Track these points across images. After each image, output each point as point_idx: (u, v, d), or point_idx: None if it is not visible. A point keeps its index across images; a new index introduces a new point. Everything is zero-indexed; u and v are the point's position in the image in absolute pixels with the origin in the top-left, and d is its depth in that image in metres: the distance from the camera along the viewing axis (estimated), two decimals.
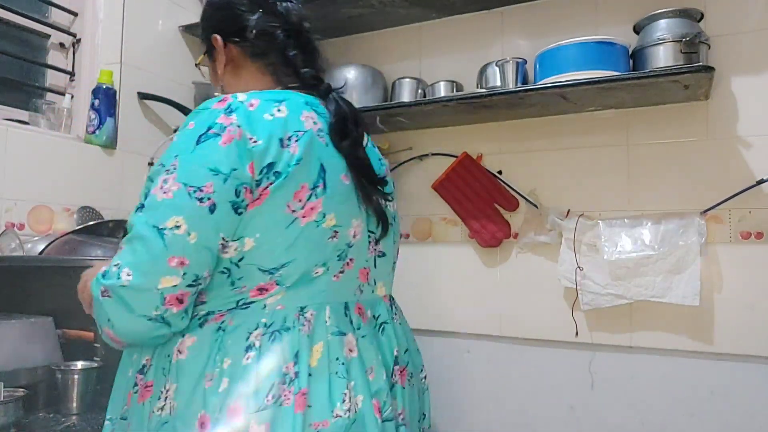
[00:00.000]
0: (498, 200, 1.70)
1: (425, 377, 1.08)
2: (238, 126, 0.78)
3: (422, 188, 1.80)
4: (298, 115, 0.84)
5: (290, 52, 0.94)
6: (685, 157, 1.52)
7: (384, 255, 0.97)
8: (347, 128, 0.89)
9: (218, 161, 0.76)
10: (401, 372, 0.94)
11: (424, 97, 1.73)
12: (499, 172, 1.71)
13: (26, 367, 1.05)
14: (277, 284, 0.82)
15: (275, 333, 0.79)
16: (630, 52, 1.46)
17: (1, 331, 1.05)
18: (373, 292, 0.95)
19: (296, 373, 0.78)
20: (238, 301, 0.81)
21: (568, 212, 1.60)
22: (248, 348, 0.78)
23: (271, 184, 0.79)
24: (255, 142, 0.78)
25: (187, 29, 1.97)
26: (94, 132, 1.65)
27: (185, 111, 1.91)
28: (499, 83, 1.60)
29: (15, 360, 1.04)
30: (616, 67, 1.41)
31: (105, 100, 1.66)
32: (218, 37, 0.96)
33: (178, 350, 0.79)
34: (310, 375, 0.78)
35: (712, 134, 1.49)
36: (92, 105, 1.66)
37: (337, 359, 0.82)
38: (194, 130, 0.79)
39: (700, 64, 1.32)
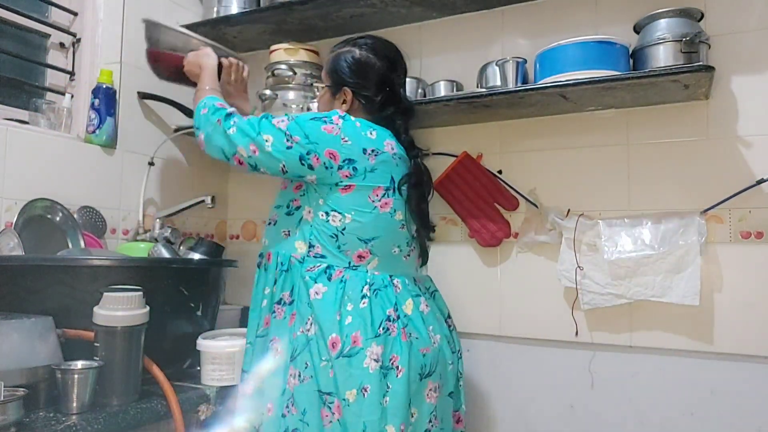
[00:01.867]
0: (498, 200, 1.70)
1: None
2: (340, 128, 1.21)
3: None
4: (382, 141, 1.25)
5: (397, 121, 1.33)
6: (685, 156, 1.52)
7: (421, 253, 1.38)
8: (420, 186, 1.29)
9: (313, 134, 1.20)
10: (452, 322, 1.39)
11: (425, 96, 1.73)
12: (499, 172, 1.71)
13: (26, 366, 1.05)
14: (371, 253, 1.21)
15: (377, 290, 1.19)
16: (630, 52, 1.46)
17: (1, 330, 1.05)
18: (422, 271, 1.40)
19: (398, 316, 1.18)
20: (348, 263, 1.21)
21: (568, 212, 1.60)
22: (363, 297, 1.17)
23: (351, 175, 1.19)
24: (346, 141, 1.20)
25: (187, 29, 1.96)
26: (94, 132, 1.65)
27: (185, 110, 1.91)
28: (499, 83, 1.60)
29: (15, 359, 1.04)
30: (616, 66, 1.41)
31: (105, 100, 1.66)
32: (350, 91, 1.31)
33: (315, 292, 1.17)
34: (408, 318, 1.20)
35: (712, 134, 1.49)
36: (92, 104, 1.66)
37: (421, 311, 1.24)
38: (314, 114, 1.24)
39: (700, 63, 1.32)
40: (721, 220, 1.47)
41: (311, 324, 1.16)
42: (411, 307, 1.23)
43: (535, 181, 1.68)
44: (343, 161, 1.19)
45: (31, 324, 1.10)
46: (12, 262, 1.25)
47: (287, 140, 1.20)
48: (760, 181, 1.42)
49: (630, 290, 1.48)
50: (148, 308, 1.17)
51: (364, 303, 1.17)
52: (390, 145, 1.27)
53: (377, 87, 1.32)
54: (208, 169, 2.08)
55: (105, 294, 1.12)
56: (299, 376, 1.15)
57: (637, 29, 1.47)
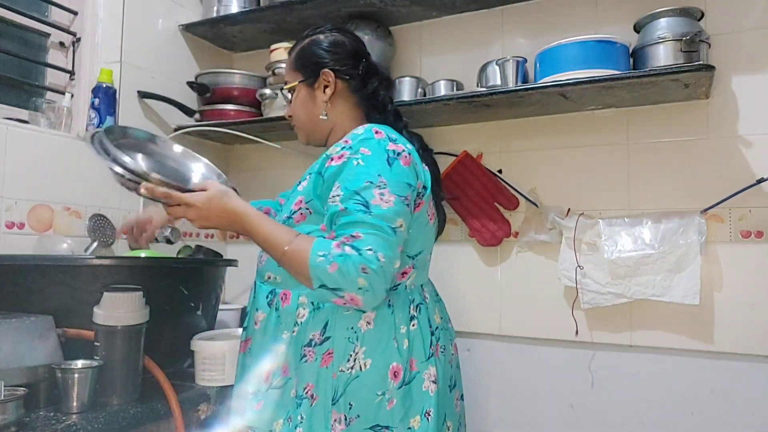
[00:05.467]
0: (498, 199, 1.70)
1: None
2: (409, 153, 1.08)
3: None
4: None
5: (381, 93, 1.24)
6: (685, 155, 1.52)
7: None
8: (430, 155, 1.22)
9: (408, 177, 1.06)
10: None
11: (425, 95, 1.73)
12: (500, 171, 1.71)
13: (26, 365, 1.05)
14: (413, 267, 1.14)
15: (419, 305, 1.14)
16: (630, 51, 1.46)
17: (1, 330, 1.05)
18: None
19: (432, 332, 1.14)
20: (391, 285, 1.09)
21: (569, 211, 1.60)
22: (411, 318, 1.11)
23: (422, 196, 1.10)
24: (416, 165, 1.09)
25: (187, 28, 1.97)
26: None
27: (185, 110, 1.91)
28: (499, 82, 1.60)
29: (15, 359, 1.04)
30: (617, 65, 1.41)
31: (105, 99, 1.66)
32: (331, 72, 1.19)
33: (366, 322, 1.07)
34: (439, 328, 1.17)
35: (712, 133, 1.49)
36: (92, 104, 1.66)
37: (441, 318, 1.22)
38: (377, 155, 1.05)
39: (701, 62, 1.32)
40: (722, 220, 1.46)
41: (355, 360, 1.05)
42: (438, 315, 1.19)
43: (536, 180, 1.68)
44: (423, 187, 1.11)
45: (31, 324, 1.10)
46: (12, 262, 1.25)
47: (407, 205, 1.04)
48: (760, 181, 1.42)
49: (630, 289, 1.48)
50: (148, 308, 1.16)
51: (414, 324, 1.11)
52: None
53: (355, 59, 1.22)
54: None
55: (105, 294, 1.12)
56: (345, 419, 1.04)
57: (637, 28, 1.47)
